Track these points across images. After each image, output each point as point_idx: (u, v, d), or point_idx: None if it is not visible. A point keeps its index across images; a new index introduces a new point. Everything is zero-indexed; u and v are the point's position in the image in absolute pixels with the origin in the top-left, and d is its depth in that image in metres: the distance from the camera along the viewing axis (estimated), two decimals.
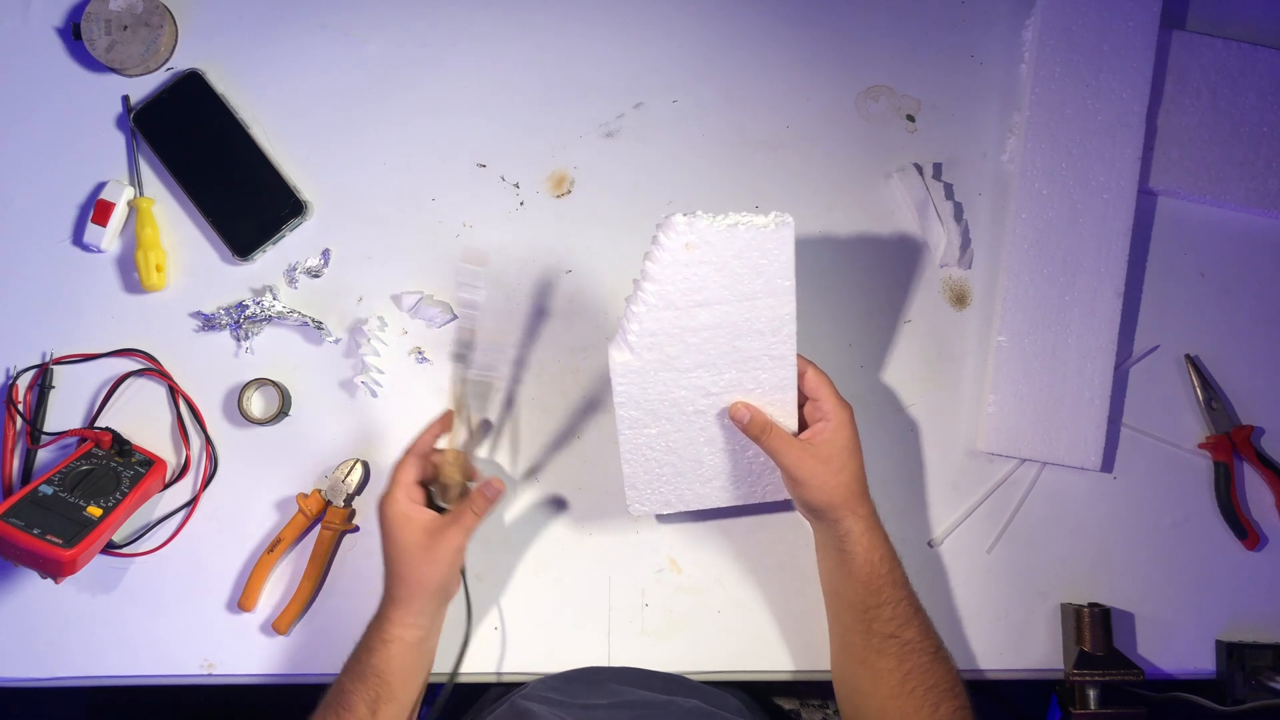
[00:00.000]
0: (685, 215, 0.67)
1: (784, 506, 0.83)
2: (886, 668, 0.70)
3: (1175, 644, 0.85)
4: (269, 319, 0.85)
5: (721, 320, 0.70)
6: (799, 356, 0.72)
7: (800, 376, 0.73)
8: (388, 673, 0.71)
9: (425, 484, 0.75)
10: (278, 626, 0.82)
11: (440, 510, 0.75)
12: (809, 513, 0.75)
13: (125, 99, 0.86)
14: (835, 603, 0.76)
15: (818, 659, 0.83)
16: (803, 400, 0.74)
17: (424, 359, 0.85)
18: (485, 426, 0.79)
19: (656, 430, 0.75)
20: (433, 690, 1.02)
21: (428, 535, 0.72)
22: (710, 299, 0.69)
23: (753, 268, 0.68)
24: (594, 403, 0.85)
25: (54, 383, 0.84)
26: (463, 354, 0.76)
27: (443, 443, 0.76)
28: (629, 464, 0.77)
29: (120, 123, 0.86)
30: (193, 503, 0.83)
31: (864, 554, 0.72)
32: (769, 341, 0.71)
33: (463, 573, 0.78)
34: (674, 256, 0.68)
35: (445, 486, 0.75)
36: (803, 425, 0.75)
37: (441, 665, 0.79)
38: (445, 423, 0.76)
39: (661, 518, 0.84)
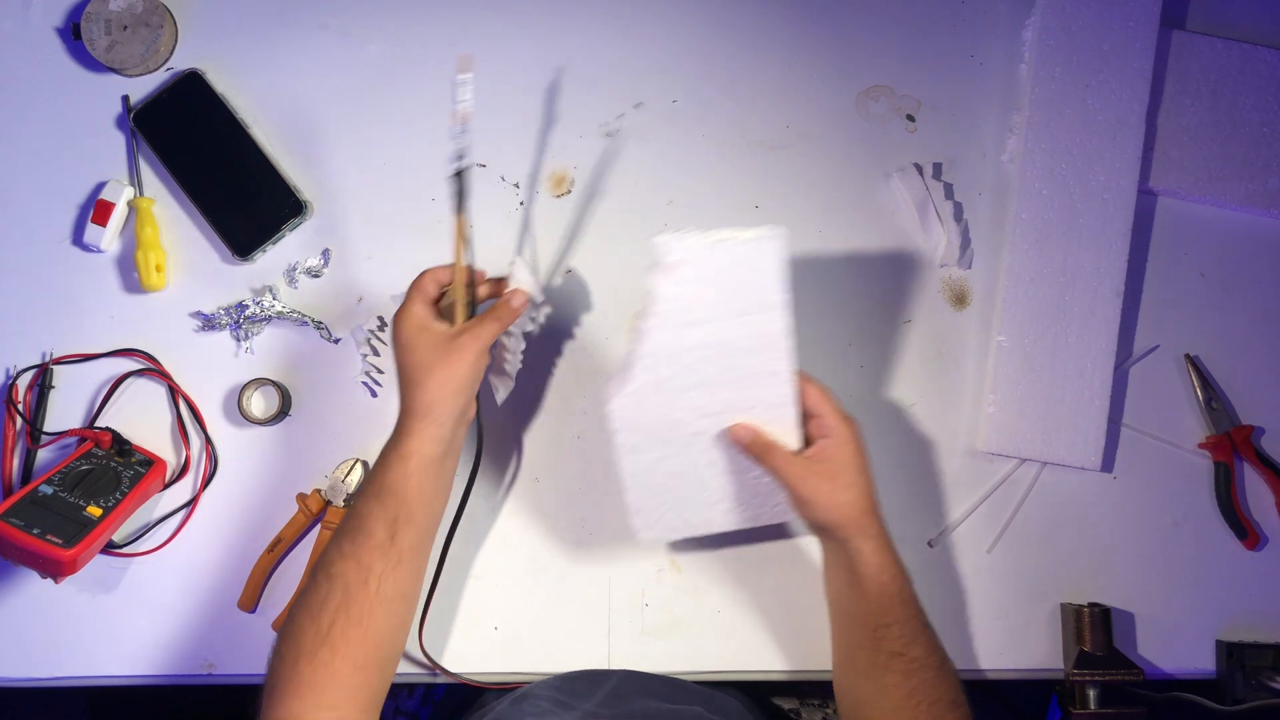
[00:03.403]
0: (674, 233, 0.66)
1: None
2: (892, 683, 0.69)
3: (1175, 644, 0.85)
4: (269, 319, 0.85)
5: (715, 338, 0.69)
6: (800, 373, 0.71)
7: (801, 393, 0.72)
8: (405, 491, 0.69)
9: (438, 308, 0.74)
10: (277, 626, 0.81)
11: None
12: (816, 531, 0.74)
13: (125, 99, 0.86)
14: (842, 618, 0.75)
15: (818, 659, 0.83)
16: (805, 417, 0.73)
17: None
18: (459, 199, 0.74)
19: (656, 455, 0.73)
20: (433, 690, 1.02)
21: (447, 341, 0.70)
22: (702, 317, 0.68)
23: (742, 283, 0.67)
24: (594, 402, 0.85)
25: (54, 383, 0.84)
26: (462, 164, 0.72)
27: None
28: (631, 491, 0.75)
29: (120, 123, 0.86)
30: (193, 503, 0.83)
31: (874, 574, 0.70)
32: (765, 358, 0.70)
33: (477, 398, 0.77)
34: (664, 276, 0.67)
35: (456, 307, 0.73)
36: (807, 443, 0.73)
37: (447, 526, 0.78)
38: (459, 262, 0.74)
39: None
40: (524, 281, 0.75)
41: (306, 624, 0.66)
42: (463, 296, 0.73)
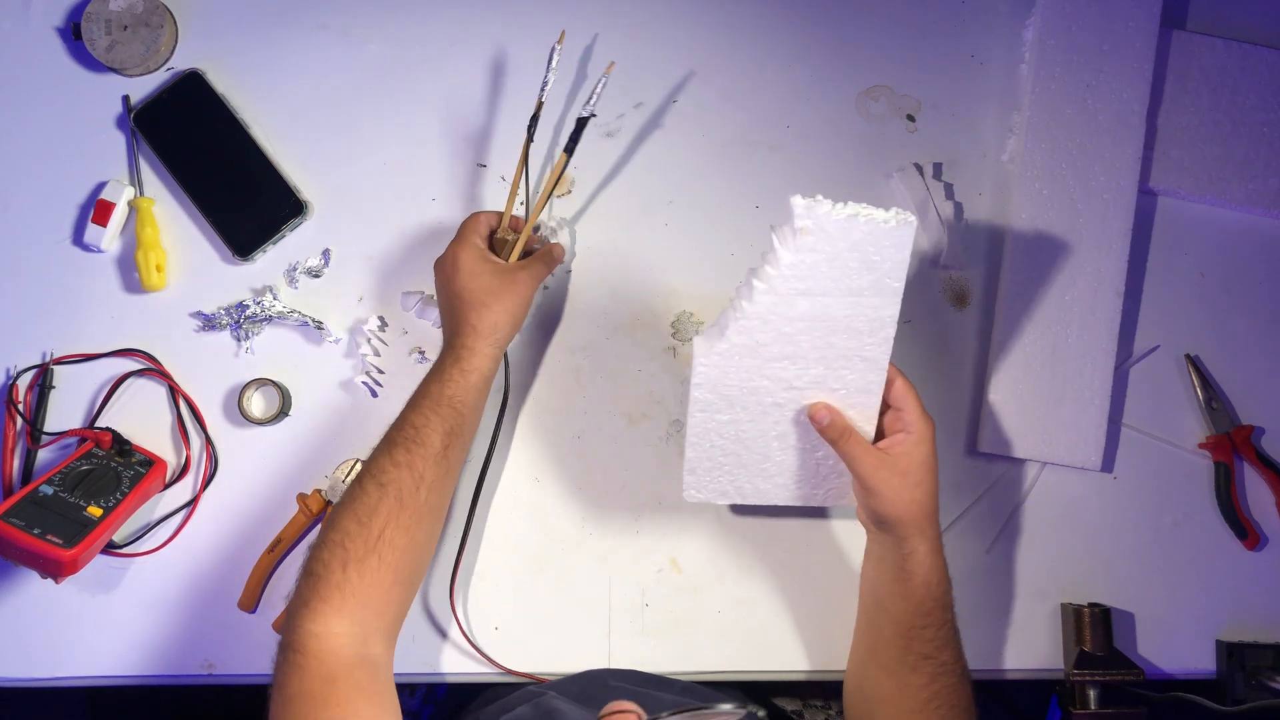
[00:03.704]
0: (805, 198, 0.63)
1: (787, 509, 0.83)
2: (916, 684, 0.70)
3: (1175, 644, 0.85)
4: (269, 319, 0.85)
5: (821, 313, 0.67)
6: (890, 364, 0.70)
7: (888, 383, 0.71)
8: (464, 405, 0.73)
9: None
10: (278, 626, 0.81)
11: None
12: (875, 524, 0.73)
13: (125, 99, 0.86)
14: (877, 613, 0.74)
15: (819, 659, 0.83)
16: (884, 408, 0.72)
17: (424, 359, 0.85)
18: (571, 145, 0.80)
19: (729, 417, 0.73)
20: (435, 690, 1.02)
21: (510, 272, 0.76)
22: (813, 289, 0.66)
23: (865, 263, 0.65)
24: (595, 402, 0.85)
25: (54, 383, 0.84)
26: (530, 127, 0.79)
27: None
28: (694, 448, 0.74)
29: (120, 123, 0.86)
30: (193, 503, 0.83)
31: (923, 575, 0.70)
32: (864, 342, 0.68)
33: None
34: (789, 240, 0.65)
35: (503, 246, 0.80)
36: (879, 434, 0.73)
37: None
38: (507, 210, 0.80)
39: (667, 515, 0.84)
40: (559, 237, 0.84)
41: (355, 530, 0.67)
42: (526, 236, 0.80)
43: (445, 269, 0.77)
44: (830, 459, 0.74)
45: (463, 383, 0.73)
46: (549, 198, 0.83)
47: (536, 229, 0.84)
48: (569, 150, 0.79)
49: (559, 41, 0.79)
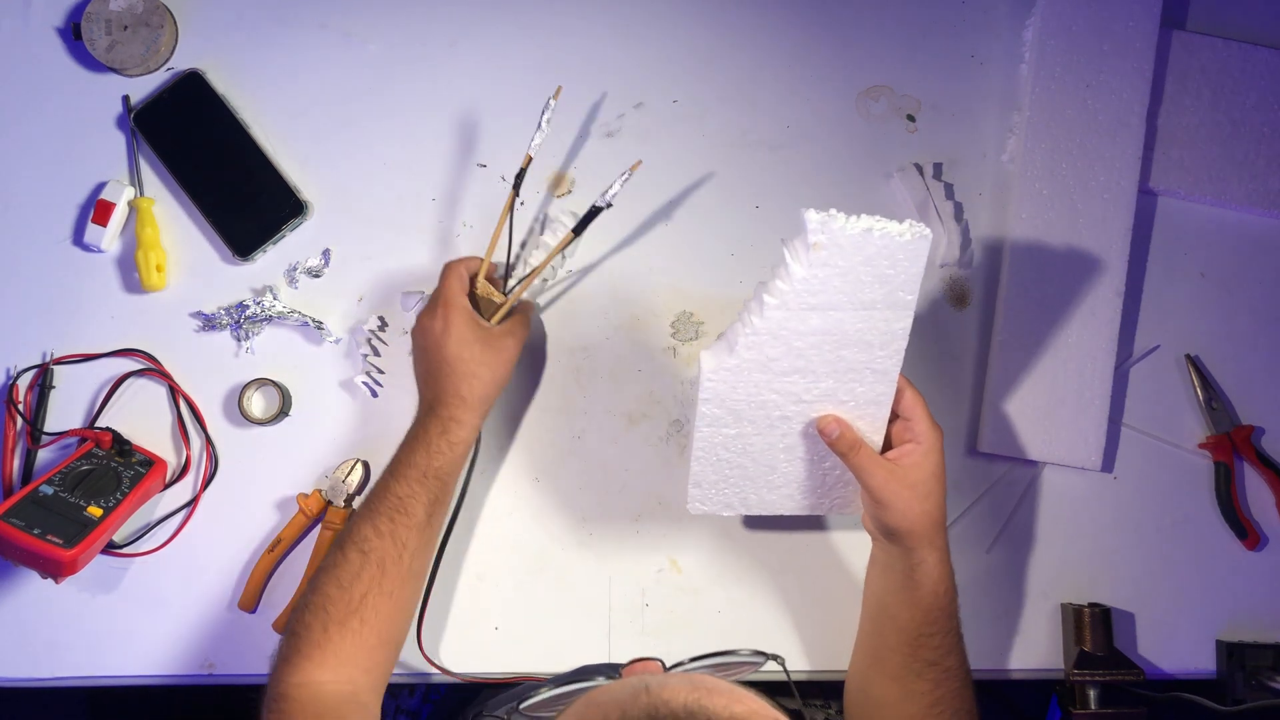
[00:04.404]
0: (818, 212, 0.62)
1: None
2: (921, 690, 0.70)
3: (1175, 644, 0.85)
4: (269, 319, 0.85)
5: (832, 327, 0.66)
6: (900, 374, 0.70)
7: (898, 394, 0.71)
8: (450, 475, 0.73)
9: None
10: (278, 626, 0.81)
11: None
12: (884, 535, 0.72)
13: (125, 99, 0.86)
14: (883, 621, 0.74)
15: (819, 659, 0.83)
16: (892, 418, 0.72)
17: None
18: (581, 226, 0.78)
19: (736, 431, 0.72)
20: (433, 689, 1.02)
21: (496, 339, 0.75)
22: (826, 303, 0.65)
23: (878, 277, 0.64)
24: (594, 402, 0.85)
25: (54, 383, 0.84)
26: (518, 180, 0.78)
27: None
28: (699, 462, 0.74)
29: (120, 123, 0.86)
30: (193, 503, 0.83)
31: (932, 586, 0.70)
32: (875, 355, 0.68)
33: None
34: (802, 255, 0.64)
35: (485, 304, 0.78)
36: (886, 442, 0.73)
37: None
38: (487, 259, 0.78)
39: (667, 515, 0.84)
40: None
41: (336, 594, 0.68)
42: (516, 298, 0.78)
43: (434, 333, 0.74)
44: (837, 469, 0.74)
45: (450, 455, 0.73)
46: (544, 267, 0.80)
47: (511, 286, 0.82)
48: (578, 231, 0.78)
49: (554, 97, 0.77)
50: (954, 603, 0.72)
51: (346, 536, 0.72)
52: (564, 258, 0.86)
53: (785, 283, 0.65)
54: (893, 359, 0.68)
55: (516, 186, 0.78)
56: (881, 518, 0.70)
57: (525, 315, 0.79)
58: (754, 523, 0.84)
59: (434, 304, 0.76)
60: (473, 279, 0.79)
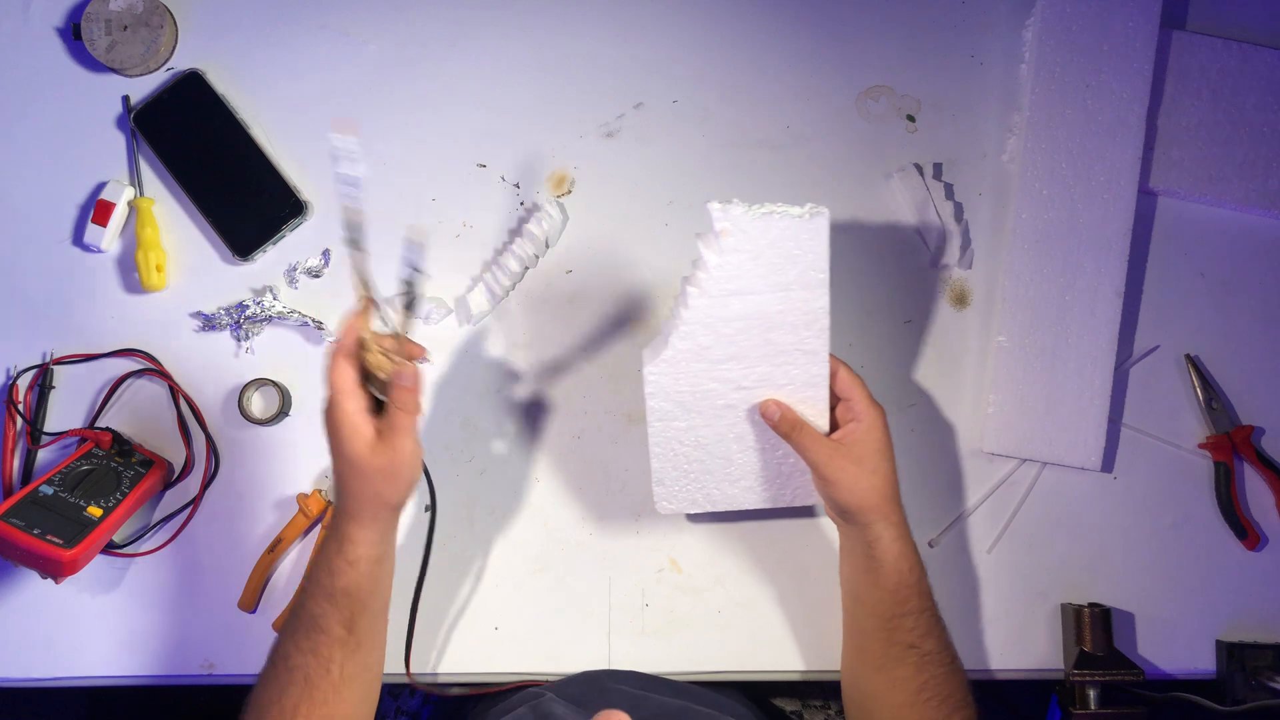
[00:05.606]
0: (720, 203, 0.67)
1: (788, 509, 0.83)
2: (904, 676, 0.70)
3: (1175, 644, 0.85)
4: (269, 319, 0.85)
5: (754, 311, 0.69)
6: (831, 356, 0.72)
7: (832, 376, 0.72)
8: (359, 591, 0.67)
9: (365, 381, 0.67)
10: (277, 626, 0.81)
11: (381, 404, 0.68)
12: (838, 515, 0.74)
13: (125, 99, 0.86)
14: (856, 608, 0.75)
15: (820, 659, 0.83)
16: (834, 401, 0.73)
17: (424, 359, 0.85)
18: (408, 305, 0.68)
19: (686, 424, 0.74)
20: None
21: (380, 445, 0.65)
22: (744, 288, 0.69)
23: (787, 257, 0.68)
24: (594, 402, 0.85)
25: (54, 383, 0.84)
26: (354, 238, 0.65)
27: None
28: (657, 458, 0.76)
29: (120, 123, 0.86)
30: (193, 503, 0.83)
31: (893, 562, 0.70)
32: (801, 335, 0.70)
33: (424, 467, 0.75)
34: (711, 243, 0.67)
35: (378, 380, 0.66)
36: (834, 427, 0.74)
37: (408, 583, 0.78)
38: (362, 316, 0.67)
39: (667, 516, 0.84)
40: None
41: (269, 706, 0.66)
42: (388, 367, 0.66)
43: (327, 426, 0.66)
44: (791, 457, 0.75)
45: (350, 574, 0.67)
46: (403, 327, 0.69)
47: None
48: (409, 308, 0.68)
49: (344, 132, 0.63)
50: (923, 580, 0.72)
51: (274, 647, 0.69)
52: (537, 257, 0.85)
53: (703, 271, 0.68)
54: (819, 338, 0.71)
55: (356, 244, 0.65)
56: (831, 496, 0.71)
57: (403, 392, 0.65)
58: (754, 523, 0.84)
59: (329, 393, 0.66)
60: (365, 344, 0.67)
